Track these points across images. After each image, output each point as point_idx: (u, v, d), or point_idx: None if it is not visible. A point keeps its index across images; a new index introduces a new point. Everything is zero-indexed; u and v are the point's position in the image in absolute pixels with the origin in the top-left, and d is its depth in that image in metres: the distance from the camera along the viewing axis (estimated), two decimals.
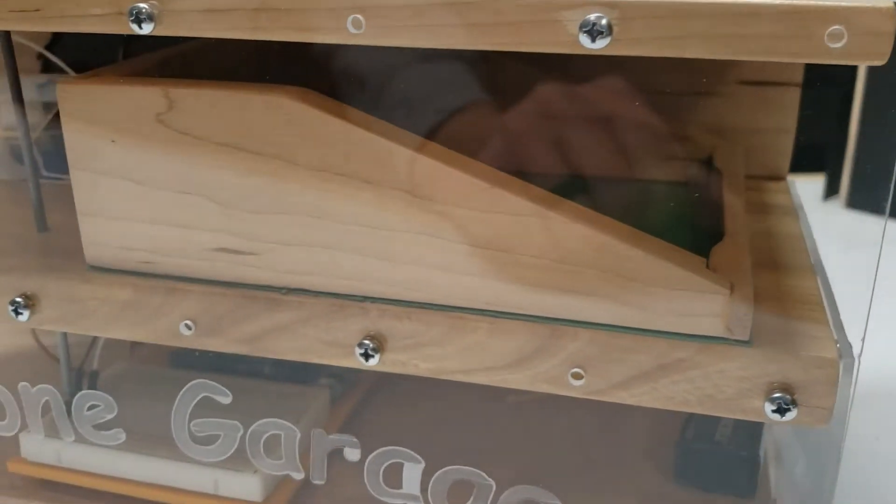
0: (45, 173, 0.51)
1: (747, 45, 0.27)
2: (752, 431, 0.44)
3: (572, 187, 0.38)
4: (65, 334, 0.44)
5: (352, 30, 0.30)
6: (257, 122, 0.33)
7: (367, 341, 0.34)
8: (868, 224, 0.89)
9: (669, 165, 0.48)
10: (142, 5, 0.31)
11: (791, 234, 0.41)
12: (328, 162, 0.33)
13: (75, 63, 0.51)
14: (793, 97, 0.48)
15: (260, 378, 0.50)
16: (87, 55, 0.52)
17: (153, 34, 0.31)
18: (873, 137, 0.89)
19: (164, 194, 0.35)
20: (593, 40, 0.28)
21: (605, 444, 0.48)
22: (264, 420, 0.37)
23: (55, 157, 0.51)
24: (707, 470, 0.44)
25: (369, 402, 0.51)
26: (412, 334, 0.34)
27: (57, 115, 0.50)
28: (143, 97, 0.34)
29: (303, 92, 0.33)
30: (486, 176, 0.32)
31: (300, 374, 0.50)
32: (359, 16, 0.30)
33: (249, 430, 0.38)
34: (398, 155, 0.32)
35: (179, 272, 0.37)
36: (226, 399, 0.38)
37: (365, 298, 0.35)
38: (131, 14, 0.31)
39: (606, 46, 0.28)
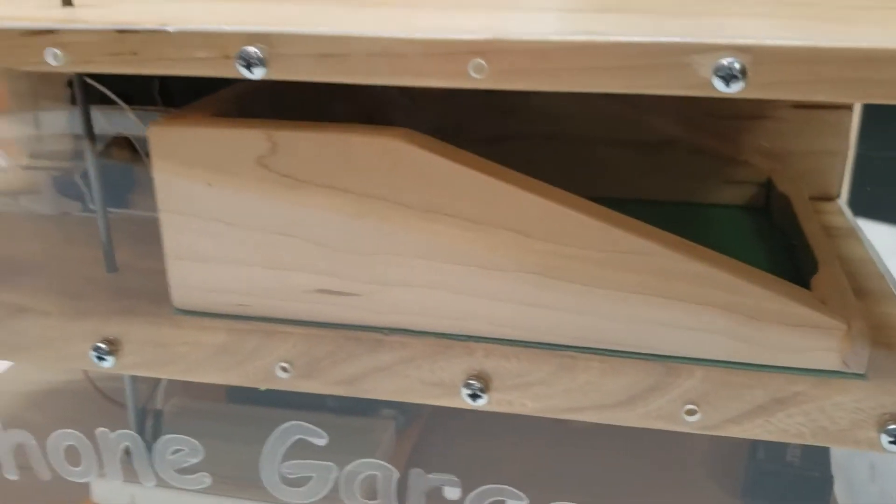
0: (90, 207, 0.51)
1: (878, 90, 0.28)
2: (821, 450, 0.45)
3: (627, 211, 0.38)
4: (132, 377, 0.43)
5: (473, 74, 0.30)
6: (364, 163, 0.33)
7: (473, 381, 0.34)
8: (869, 231, 0.91)
9: (726, 189, 0.49)
10: (251, 49, 0.30)
11: (862, 258, 0.42)
12: (436, 202, 0.33)
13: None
14: (846, 118, 0.48)
15: (323, 410, 0.49)
16: (120, 85, 0.52)
17: (263, 79, 0.31)
18: (874, 143, 0.90)
19: (263, 236, 0.35)
20: (727, 84, 0.28)
21: (668, 465, 0.48)
22: (361, 460, 0.37)
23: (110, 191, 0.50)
24: (779, 490, 0.44)
25: (431, 432, 0.50)
26: (520, 373, 0.34)
27: (107, 147, 0.50)
28: (245, 140, 0.34)
29: (408, 133, 0.33)
30: (600, 215, 0.32)
31: (362, 404, 0.50)
32: (481, 60, 0.29)
33: (344, 471, 0.37)
34: (509, 195, 0.32)
35: (274, 314, 0.36)
36: (321, 441, 0.37)
37: (469, 338, 0.34)
38: (241, 58, 0.31)
39: (741, 91, 0.28)
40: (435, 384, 0.35)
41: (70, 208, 0.50)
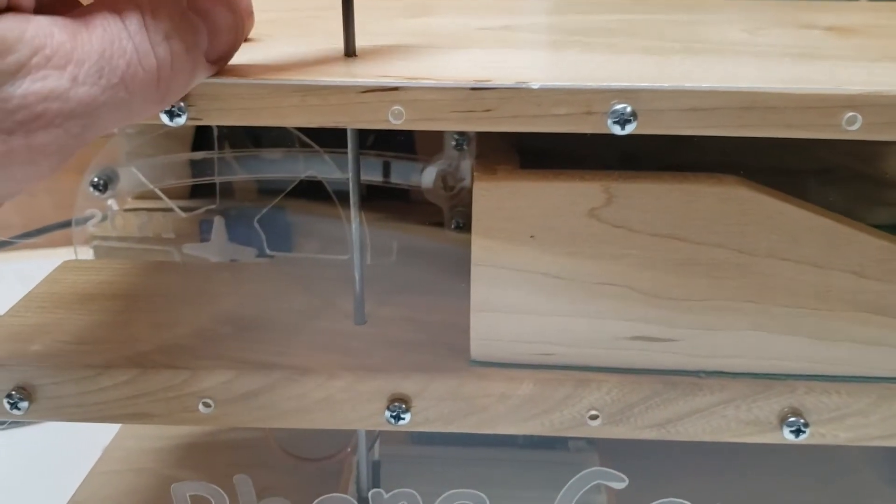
0: (268, 251, 0.49)
1: None
2: None
3: None
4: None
5: (846, 127, 0.31)
6: (703, 212, 0.34)
7: (794, 418, 0.35)
8: None
9: (878, 211, 0.52)
10: (623, 107, 0.31)
11: None
12: (776, 248, 0.34)
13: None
14: None
15: (513, 446, 0.50)
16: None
17: (633, 133, 0.31)
18: None
19: (582, 286, 0.35)
20: None
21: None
22: (660, 501, 0.37)
23: (276, 236, 0.49)
24: None
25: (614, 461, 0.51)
26: (838, 407, 0.35)
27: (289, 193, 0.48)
28: (580, 193, 0.34)
29: (744, 180, 0.34)
30: None
31: (549, 439, 0.50)
32: (855, 113, 0.31)
33: None
34: (850, 237, 0.34)
35: (583, 362, 0.36)
36: (621, 484, 0.37)
37: (788, 376, 0.36)
38: (613, 115, 0.31)
39: None
40: (750, 422, 0.36)
41: (242, 255, 0.48)
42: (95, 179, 0.46)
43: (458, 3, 0.53)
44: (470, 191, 0.46)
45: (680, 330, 0.35)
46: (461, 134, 0.45)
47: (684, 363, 0.36)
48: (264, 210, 0.47)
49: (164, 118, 0.31)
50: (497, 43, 0.38)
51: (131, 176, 0.47)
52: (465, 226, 0.47)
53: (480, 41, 0.39)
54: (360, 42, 0.36)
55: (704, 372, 0.36)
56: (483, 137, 0.40)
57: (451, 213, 0.47)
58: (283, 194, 0.47)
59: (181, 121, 0.31)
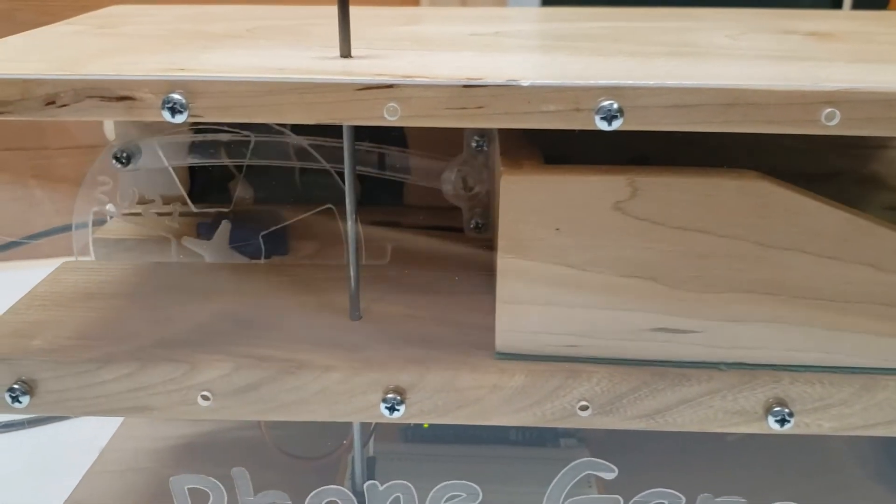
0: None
1: None
2: None
3: None
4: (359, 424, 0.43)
5: (825, 122, 0.32)
6: (726, 205, 0.35)
7: (778, 408, 0.36)
8: None
9: (883, 215, 0.52)
10: (609, 103, 0.32)
11: None
12: (795, 241, 0.35)
13: None
14: None
15: (506, 443, 0.50)
16: None
17: (619, 129, 0.32)
18: None
19: (607, 278, 0.36)
20: None
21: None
22: (651, 490, 0.38)
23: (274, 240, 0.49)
24: None
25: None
26: (822, 397, 0.36)
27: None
28: (605, 186, 0.35)
29: (765, 175, 0.35)
30: None
31: (541, 436, 0.51)
32: (834, 109, 0.32)
33: (632, 501, 0.39)
34: (867, 230, 0.35)
35: (607, 354, 0.37)
36: (611, 474, 0.38)
37: (774, 367, 0.37)
38: (600, 111, 0.32)
39: None
40: (736, 412, 0.37)
41: (239, 257, 0.49)
42: (118, 153, 0.47)
43: (450, 12, 0.54)
44: (488, 192, 0.48)
45: (701, 321, 0.36)
46: (481, 135, 0.46)
47: (705, 355, 0.37)
48: (272, 229, 0.47)
49: (166, 115, 0.32)
50: (488, 47, 0.40)
51: (152, 153, 0.47)
52: (483, 226, 0.48)
53: (472, 45, 0.40)
54: (356, 46, 0.37)
55: (725, 364, 0.37)
56: (505, 136, 0.41)
57: (469, 214, 0.48)
58: (296, 219, 0.47)
59: (182, 118, 0.32)
